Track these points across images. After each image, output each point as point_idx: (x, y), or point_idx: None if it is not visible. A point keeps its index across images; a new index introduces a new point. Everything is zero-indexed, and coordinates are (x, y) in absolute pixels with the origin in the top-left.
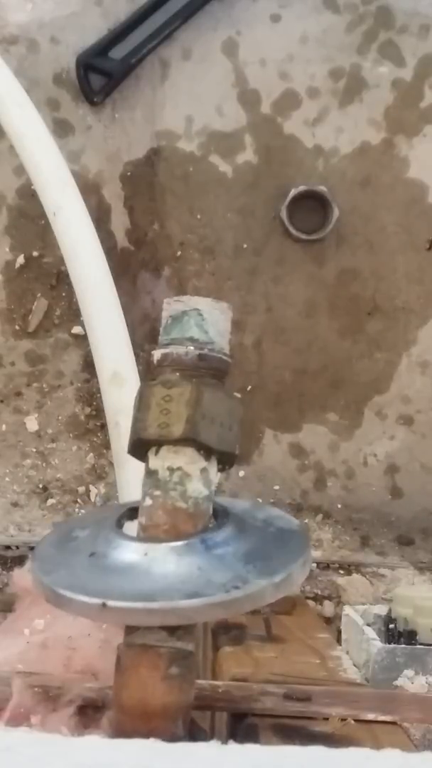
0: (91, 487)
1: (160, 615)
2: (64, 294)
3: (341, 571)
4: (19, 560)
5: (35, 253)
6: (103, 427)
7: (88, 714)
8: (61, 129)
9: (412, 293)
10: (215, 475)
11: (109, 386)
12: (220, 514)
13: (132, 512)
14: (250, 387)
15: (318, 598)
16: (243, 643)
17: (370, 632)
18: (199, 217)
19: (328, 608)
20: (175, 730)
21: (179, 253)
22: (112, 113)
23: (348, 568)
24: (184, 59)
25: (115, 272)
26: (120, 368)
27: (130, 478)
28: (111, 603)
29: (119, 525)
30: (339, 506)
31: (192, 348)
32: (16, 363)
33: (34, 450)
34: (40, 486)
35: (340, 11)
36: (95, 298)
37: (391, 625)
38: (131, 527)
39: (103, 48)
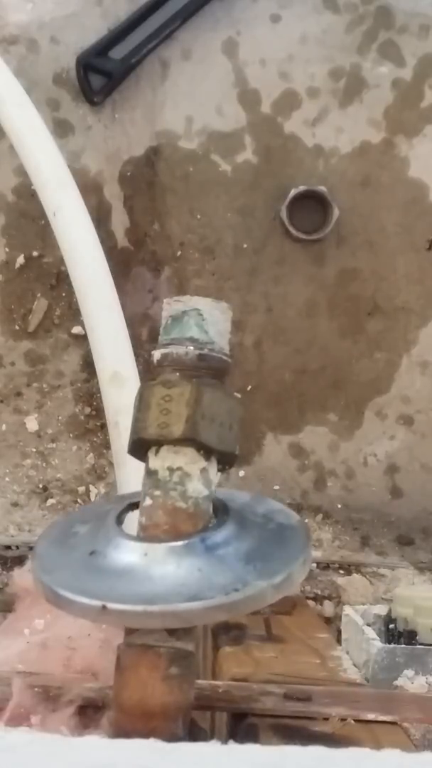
0: (91, 487)
1: (160, 618)
2: (64, 294)
3: (341, 571)
4: (19, 560)
5: (35, 253)
6: (103, 427)
7: (88, 714)
8: (61, 129)
9: (412, 293)
10: (215, 475)
11: (109, 386)
12: (220, 511)
13: (133, 507)
14: (250, 387)
15: (318, 598)
16: (243, 643)
17: (370, 632)
18: (199, 217)
19: (328, 608)
20: (175, 730)
21: (179, 253)
22: (112, 113)
23: (348, 568)
24: (184, 59)
25: (115, 272)
26: (120, 368)
27: (130, 478)
28: (111, 605)
29: (119, 521)
30: (339, 506)
31: (192, 348)
32: (16, 363)
33: (34, 450)
34: (40, 486)
35: (340, 11)
36: (95, 298)
37: (391, 625)
38: (132, 521)
39: (103, 48)
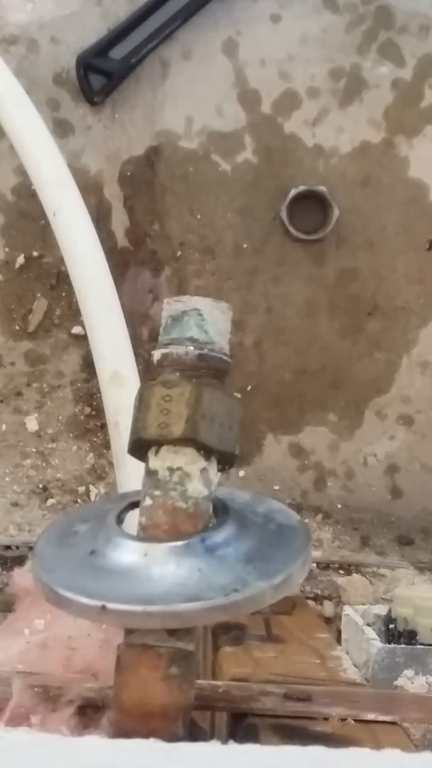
0: (91, 487)
1: (160, 618)
2: (64, 294)
3: (341, 571)
4: (19, 560)
5: (35, 253)
6: (103, 427)
7: (88, 714)
8: (61, 129)
9: (412, 293)
10: (215, 475)
11: (109, 386)
12: (220, 511)
13: (133, 506)
14: (250, 387)
15: (318, 598)
16: (243, 643)
17: (370, 632)
18: (199, 217)
19: (328, 608)
20: (175, 730)
21: (179, 253)
22: (112, 113)
23: (348, 568)
24: (184, 59)
25: (115, 272)
26: (120, 368)
27: (130, 478)
28: (111, 605)
29: (119, 521)
30: (339, 506)
31: (192, 348)
32: (16, 363)
33: (34, 450)
34: (40, 486)
35: (340, 11)
36: (95, 298)
37: (391, 625)
38: (132, 521)
39: (103, 48)
